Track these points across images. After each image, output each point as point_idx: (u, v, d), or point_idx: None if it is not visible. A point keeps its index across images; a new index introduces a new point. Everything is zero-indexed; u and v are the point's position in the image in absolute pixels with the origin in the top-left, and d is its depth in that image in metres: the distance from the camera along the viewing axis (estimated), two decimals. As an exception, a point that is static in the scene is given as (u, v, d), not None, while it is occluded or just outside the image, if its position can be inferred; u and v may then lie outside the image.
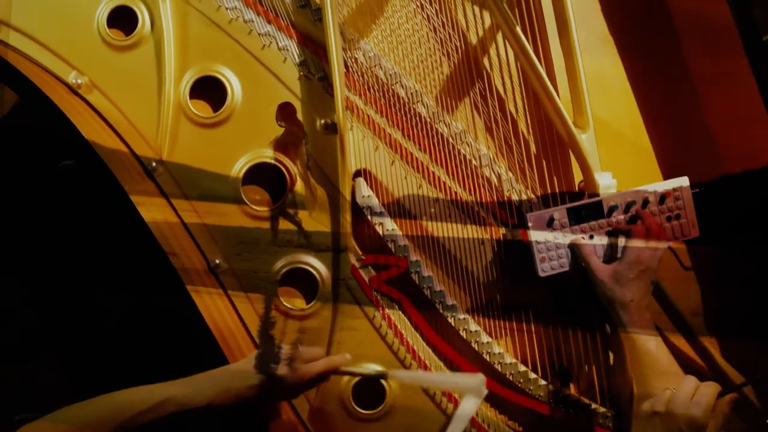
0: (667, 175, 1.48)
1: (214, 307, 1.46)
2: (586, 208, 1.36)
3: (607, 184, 1.38)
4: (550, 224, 1.35)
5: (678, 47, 1.52)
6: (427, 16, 1.46)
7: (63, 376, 1.91)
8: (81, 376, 1.92)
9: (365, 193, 1.41)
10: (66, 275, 1.80)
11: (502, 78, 1.46)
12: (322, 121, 1.43)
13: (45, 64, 1.48)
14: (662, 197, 1.37)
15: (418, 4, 1.46)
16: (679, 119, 1.53)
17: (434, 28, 1.46)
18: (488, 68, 1.46)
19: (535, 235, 1.35)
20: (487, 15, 1.46)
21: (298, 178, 1.44)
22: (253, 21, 1.46)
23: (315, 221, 1.45)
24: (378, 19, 1.46)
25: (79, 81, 1.47)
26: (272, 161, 1.45)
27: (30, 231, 1.81)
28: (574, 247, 1.35)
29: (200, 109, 1.47)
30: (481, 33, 1.47)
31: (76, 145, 1.46)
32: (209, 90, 1.47)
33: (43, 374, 1.89)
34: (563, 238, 1.35)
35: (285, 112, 1.45)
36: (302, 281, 1.46)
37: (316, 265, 1.45)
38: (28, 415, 1.97)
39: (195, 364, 1.39)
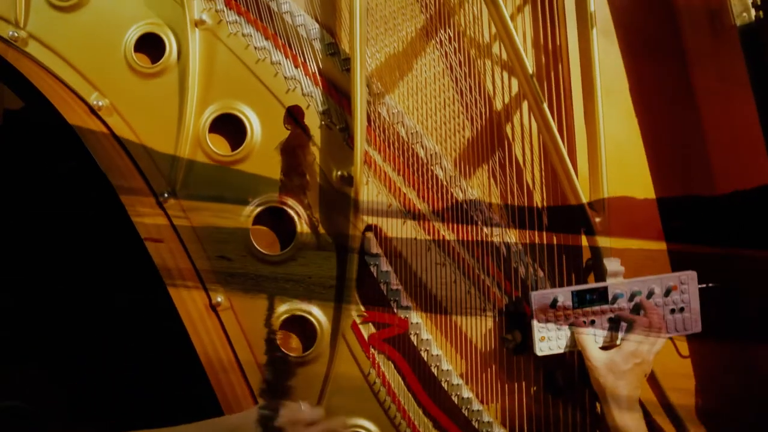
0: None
1: (209, 341, 1.47)
2: (590, 293, 1.36)
3: (614, 270, 1.38)
4: (553, 305, 1.35)
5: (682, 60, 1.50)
6: (455, 78, 1.45)
7: (55, 378, 1.92)
8: (73, 379, 1.93)
9: (374, 250, 1.41)
10: (58, 279, 1.81)
11: (523, 148, 1.45)
12: (339, 173, 1.43)
13: (68, 81, 1.48)
14: (668, 290, 1.37)
15: (448, 65, 1.45)
16: (678, 132, 1.51)
17: (461, 91, 1.45)
18: (510, 137, 1.45)
19: (537, 314, 1.35)
20: (514, 82, 1.45)
21: (306, 225, 1.44)
22: (280, 63, 1.45)
23: (320, 270, 1.45)
24: (406, 75, 1.45)
25: (101, 103, 1.47)
26: (283, 206, 1.44)
27: (26, 233, 1.82)
28: (573, 330, 1.35)
29: (217, 144, 1.47)
30: (506, 100, 1.46)
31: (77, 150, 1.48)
32: (228, 126, 1.47)
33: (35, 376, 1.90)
34: (565, 320, 1.36)
35: (292, 114, 1.44)
36: (302, 327, 1.46)
37: (317, 314, 1.45)
38: (11, 402, 1.99)
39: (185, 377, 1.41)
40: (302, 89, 1.44)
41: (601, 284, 1.37)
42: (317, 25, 1.46)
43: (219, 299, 1.45)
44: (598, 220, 1.39)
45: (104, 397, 1.90)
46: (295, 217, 1.44)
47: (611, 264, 1.38)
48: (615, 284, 1.36)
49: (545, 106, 1.37)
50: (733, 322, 1.45)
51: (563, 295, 1.36)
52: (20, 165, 1.79)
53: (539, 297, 1.36)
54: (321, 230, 1.45)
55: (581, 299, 1.36)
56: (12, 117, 1.74)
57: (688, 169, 1.51)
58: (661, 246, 1.47)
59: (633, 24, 1.47)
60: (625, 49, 1.47)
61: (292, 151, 1.46)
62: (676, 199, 1.48)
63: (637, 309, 1.37)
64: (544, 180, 1.45)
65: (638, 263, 1.43)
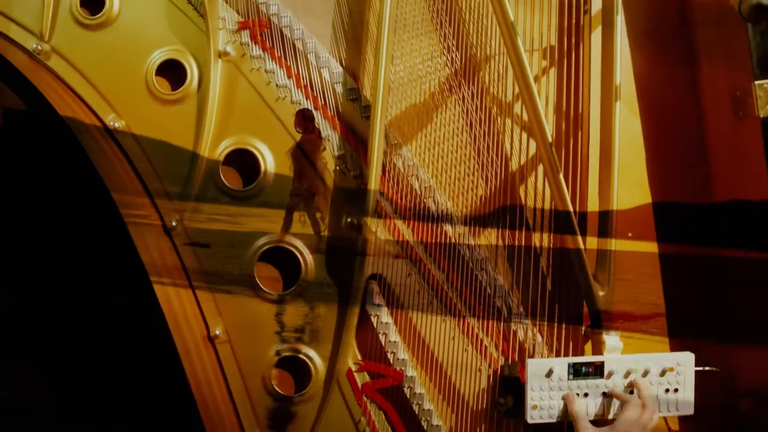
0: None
1: (202, 373, 1.48)
2: (587, 366, 1.36)
3: (613, 345, 1.38)
4: (549, 374, 1.36)
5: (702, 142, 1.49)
6: (474, 136, 1.44)
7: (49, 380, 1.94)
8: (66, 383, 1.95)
9: (376, 301, 1.41)
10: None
11: (534, 213, 1.45)
12: (348, 219, 1.43)
13: (86, 99, 1.47)
14: (664, 370, 1.37)
15: (467, 122, 1.44)
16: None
17: (478, 149, 1.44)
18: (522, 199, 1.45)
19: (532, 382, 1.36)
20: (532, 145, 1.44)
21: (310, 266, 1.45)
22: (300, 104, 1.44)
23: (320, 313, 1.45)
24: (424, 128, 1.45)
25: (117, 124, 1.46)
26: (288, 246, 1.44)
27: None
28: (566, 401, 1.36)
29: (229, 177, 1.47)
30: (523, 163, 1.45)
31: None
32: (241, 159, 1.47)
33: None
34: (559, 390, 1.36)
35: (304, 118, 1.43)
36: (297, 368, 1.47)
37: (313, 356, 1.46)
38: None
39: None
40: (320, 132, 1.44)
41: (597, 358, 1.37)
42: (341, 69, 1.45)
43: (217, 331, 1.45)
44: (601, 294, 1.39)
45: (91, 395, 1.91)
46: (300, 258, 1.44)
47: (610, 339, 1.38)
48: (612, 359, 1.36)
49: (561, 176, 1.37)
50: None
51: (559, 366, 1.36)
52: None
53: (535, 365, 1.36)
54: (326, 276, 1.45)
55: (577, 371, 1.36)
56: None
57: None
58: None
59: (657, 100, 1.46)
60: (646, 124, 1.46)
61: (303, 155, 1.46)
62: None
63: (632, 388, 1.37)
64: (551, 245, 1.45)
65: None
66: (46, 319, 1.90)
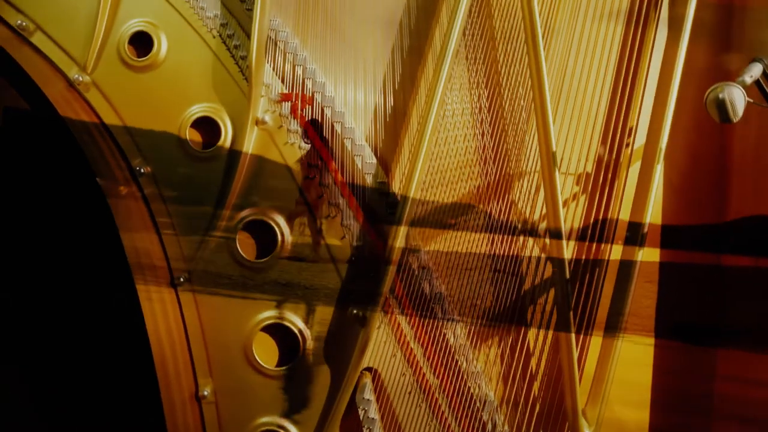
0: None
1: (183, 429, 1.49)
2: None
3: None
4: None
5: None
6: (494, 269, 1.44)
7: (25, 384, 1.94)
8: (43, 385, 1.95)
9: (367, 396, 1.42)
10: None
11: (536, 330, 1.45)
12: (354, 311, 1.43)
13: (118, 138, 1.47)
14: None
15: (489, 239, 1.44)
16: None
17: (496, 278, 1.44)
18: (528, 320, 1.45)
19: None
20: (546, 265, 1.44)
21: (308, 351, 1.45)
22: (328, 187, 1.44)
23: (311, 394, 1.46)
24: (446, 235, 1.45)
25: (142, 170, 1.46)
26: (289, 325, 1.45)
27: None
28: None
29: (243, 244, 1.47)
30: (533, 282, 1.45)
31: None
32: (258, 231, 1.47)
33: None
34: None
35: (312, 130, 1.43)
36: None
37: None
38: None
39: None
40: (342, 219, 1.43)
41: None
42: (375, 159, 1.44)
43: (206, 392, 1.46)
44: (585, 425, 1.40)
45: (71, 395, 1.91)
46: (299, 336, 1.45)
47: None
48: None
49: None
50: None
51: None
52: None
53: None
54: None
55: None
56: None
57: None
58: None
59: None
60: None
61: (311, 165, 1.46)
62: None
63: None
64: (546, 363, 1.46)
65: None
66: (27, 317, 1.89)
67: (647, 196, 1.41)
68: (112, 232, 1.48)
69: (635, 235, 1.41)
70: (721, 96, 0.98)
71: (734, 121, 0.99)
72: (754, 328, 1.48)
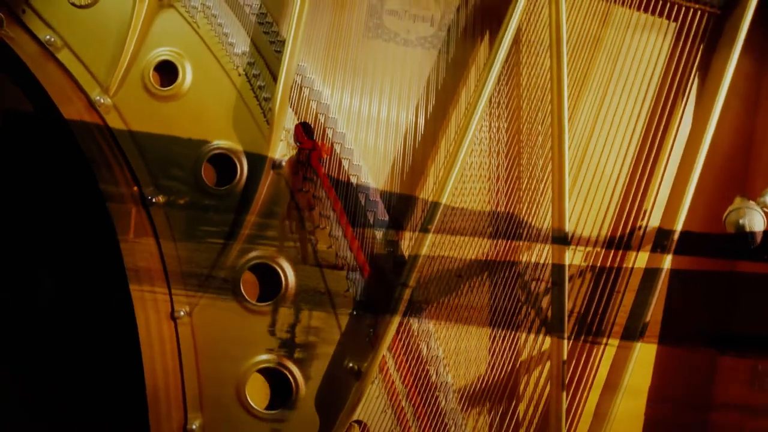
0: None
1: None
2: None
3: None
4: None
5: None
6: (493, 338, 1.45)
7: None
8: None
9: (353, 450, 1.43)
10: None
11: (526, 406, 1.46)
12: (350, 365, 1.43)
13: (133, 166, 1.46)
14: None
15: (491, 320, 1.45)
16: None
17: (493, 351, 1.45)
18: (519, 394, 1.46)
19: None
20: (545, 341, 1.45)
21: (300, 398, 1.46)
22: (337, 239, 1.44)
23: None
24: (445, 304, 1.45)
25: (154, 199, 1.45)
26: (284, 370, 1.45)
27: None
28: None
29: (247, 286, 1.47)
30: (533, 353, 1.46)
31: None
32: (263, 275, 1.47)
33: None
34: None
35: (302, 132, 1.44)
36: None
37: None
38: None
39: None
40: (348, 273, 1.43)
41: None
42: (386, 217, 1.44)
43: (194, 426, 1.47)
44: None
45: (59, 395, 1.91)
46: (293, 383, 1.45)
47: None
48: None
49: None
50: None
51: None
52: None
53: None
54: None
55: None
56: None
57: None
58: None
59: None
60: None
61: (302, 165, 1.45)
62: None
63: None
64: None
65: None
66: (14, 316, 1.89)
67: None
68: (111, 239, 1.48)
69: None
70: (741, 222, 0.98)
71: (753, 247, 0.99)
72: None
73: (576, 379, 1.45)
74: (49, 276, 1.85)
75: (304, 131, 1.43)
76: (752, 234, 0.97)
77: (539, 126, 1.47)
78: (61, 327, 1.89)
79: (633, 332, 1.43)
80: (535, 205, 1.45)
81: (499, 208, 1.46)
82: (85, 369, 1.81)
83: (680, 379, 1.52)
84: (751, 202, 1.05)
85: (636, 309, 1.43)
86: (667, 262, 1.41)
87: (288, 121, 1.45)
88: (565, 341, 1.37)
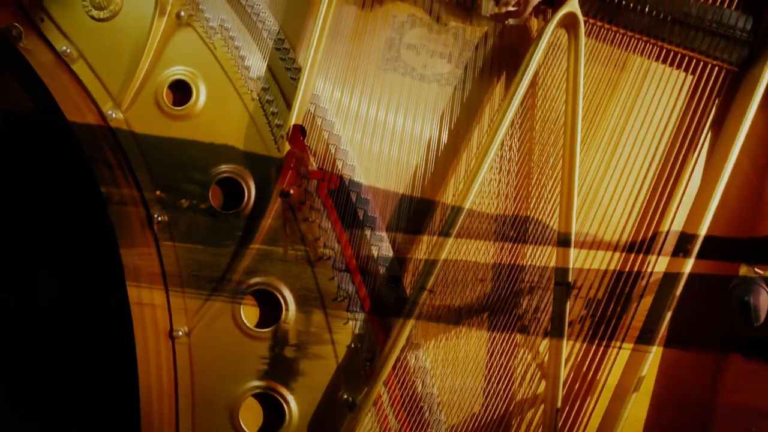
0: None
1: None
2: None
3: None
4: None
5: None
6: (490, 370, 1.45)
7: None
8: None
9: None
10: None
11: None
12: (345, 396, 1.44)
13: (141, 182, 1.46)
14: None
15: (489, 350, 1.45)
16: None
17: (489, 378, 1.45)
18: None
19: None
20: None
21: (292, 427, 1.46)
22: (341, 273, 1.44)
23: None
24: (444, 338, 1.45)
25: (159, 218, 1.46)
26: (274, 394, 1.46)
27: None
28: None
29: (248, 313, 1.47)
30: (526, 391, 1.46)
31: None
32: (263, 300, 1.47)
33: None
34: None
35: (295, 134, 1.43)
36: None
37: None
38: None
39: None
40: (349, 305, 1.44)
41: None
42: (391, 253, 1.44)
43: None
44: None
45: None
46: (286, 411, 1.46)
47: None
48: None
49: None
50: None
51: None
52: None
53: None
54: None
55: None
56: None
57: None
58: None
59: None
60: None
61: (292, 165, 1.44)
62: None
63: None
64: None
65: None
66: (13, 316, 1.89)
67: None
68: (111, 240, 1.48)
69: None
70: (746, 299, 0.98)
71: (756, 324, 0.99)
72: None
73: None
74: (49, 276, 1.85)
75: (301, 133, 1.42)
76: (756, 312, 0.97)
77: (550, 170, 1.47)
78: (60, 327, 1.89)
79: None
80: (538, 253, 1.45)
81: (503, 253, 1.46)
82: (82, 370, 1.81)
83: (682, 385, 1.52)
84: (757, 277, 1.05)
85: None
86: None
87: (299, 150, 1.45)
88: (560, 390, 1.37)
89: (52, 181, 1.68)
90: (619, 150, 1.49)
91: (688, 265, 1.41)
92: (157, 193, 1.45)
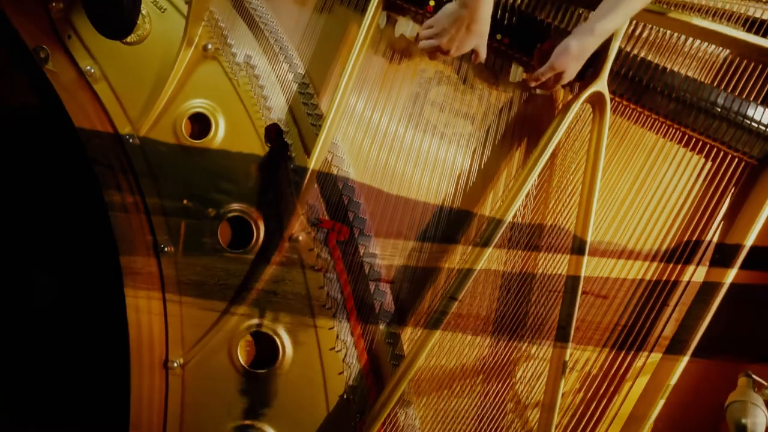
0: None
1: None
2: None
3: None
4: None
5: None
6: (488, 415, 1.45)
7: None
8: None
9: None
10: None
11: None
12: None
13: (149, 204, 1.46)
14: None
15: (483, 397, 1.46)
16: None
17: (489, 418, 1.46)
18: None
19: None
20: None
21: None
22: (340, 322, 1.44)
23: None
24: (439, 397, 1.46)
25: (166, 248, 1.46)
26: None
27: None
28: None
29: (244, 351, 1.48)
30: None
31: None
32: (260, 341, 1.47)
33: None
34: None
35: (276, 132, 1.44)
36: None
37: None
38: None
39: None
40: (345, 356, 1.44)
41: None
42: (392, 309, 1.44)
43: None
44: None
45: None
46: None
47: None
48: None
49: None
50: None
51: None
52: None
53: None
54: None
55: None
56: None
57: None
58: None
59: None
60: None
61: (269, 166, 1.46)
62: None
63: None
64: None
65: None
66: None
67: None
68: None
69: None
70: (743, 421, 0.98)
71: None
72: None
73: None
74: (48, 276, 1.85)
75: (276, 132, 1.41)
76: (753, 432, 0.98)
77: (561, 239, 1.47)
78: (58, 328, 1.88)
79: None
80: (541, 321, 1.46)
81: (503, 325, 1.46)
82: (80, 372, 1.81)
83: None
84: (756, 396, 1.05)
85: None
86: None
87: (312, 197, 1.44)
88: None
89: (53, 184, 1.67)
90: (632, 226, 1.48)
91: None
92: (166, 224, 1.45)
